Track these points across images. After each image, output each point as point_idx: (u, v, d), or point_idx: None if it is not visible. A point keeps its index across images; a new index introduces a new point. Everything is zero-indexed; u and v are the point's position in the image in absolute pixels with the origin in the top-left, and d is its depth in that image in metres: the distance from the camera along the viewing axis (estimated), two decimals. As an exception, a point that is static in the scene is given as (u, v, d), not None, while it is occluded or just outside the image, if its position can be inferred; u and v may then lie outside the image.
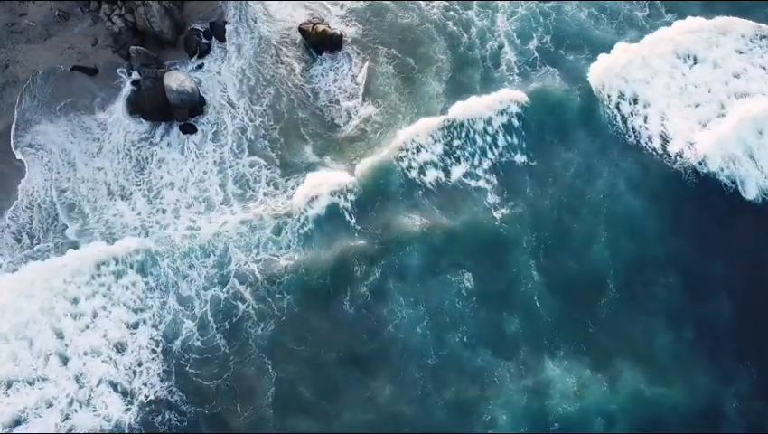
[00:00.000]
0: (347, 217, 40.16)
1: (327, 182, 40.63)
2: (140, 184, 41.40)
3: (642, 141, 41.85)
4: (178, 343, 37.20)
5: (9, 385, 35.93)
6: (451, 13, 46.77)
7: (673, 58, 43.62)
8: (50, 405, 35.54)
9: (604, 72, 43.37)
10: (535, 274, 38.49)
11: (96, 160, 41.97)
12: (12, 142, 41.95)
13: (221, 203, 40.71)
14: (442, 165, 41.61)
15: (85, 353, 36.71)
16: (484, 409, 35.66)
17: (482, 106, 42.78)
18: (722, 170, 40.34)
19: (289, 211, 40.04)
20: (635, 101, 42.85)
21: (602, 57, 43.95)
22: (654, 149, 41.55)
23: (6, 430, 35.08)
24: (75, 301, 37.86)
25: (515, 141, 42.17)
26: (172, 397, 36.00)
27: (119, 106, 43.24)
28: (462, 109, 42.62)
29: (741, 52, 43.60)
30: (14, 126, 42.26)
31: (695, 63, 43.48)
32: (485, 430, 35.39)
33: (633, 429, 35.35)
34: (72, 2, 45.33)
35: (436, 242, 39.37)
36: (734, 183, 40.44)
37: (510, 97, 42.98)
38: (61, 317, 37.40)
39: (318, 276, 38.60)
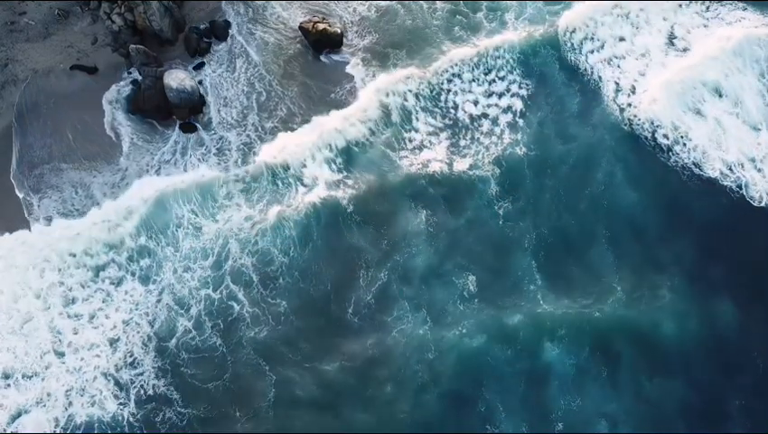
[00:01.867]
0: (346, 207, 40.13)
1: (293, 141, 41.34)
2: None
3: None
4: (174, 341, 37.11)
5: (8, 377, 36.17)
6: (458, 17, 46.34)
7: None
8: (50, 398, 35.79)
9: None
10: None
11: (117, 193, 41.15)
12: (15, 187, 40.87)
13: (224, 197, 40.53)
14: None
15: (82, 348, 36.79)
16: (483, 403, 35.53)
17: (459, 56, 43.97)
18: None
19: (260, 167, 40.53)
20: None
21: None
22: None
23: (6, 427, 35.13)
24: (71, 299, 37.90)
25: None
26: (170, 395, 35.88)
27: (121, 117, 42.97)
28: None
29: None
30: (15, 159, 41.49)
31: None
32: (484, 424, 35.19)
33: (637, 428, 35.05)
34: (72, 1, 45.19)
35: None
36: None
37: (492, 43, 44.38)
38: (58, 312, 37.48)
39: (318, 274, 38.53)
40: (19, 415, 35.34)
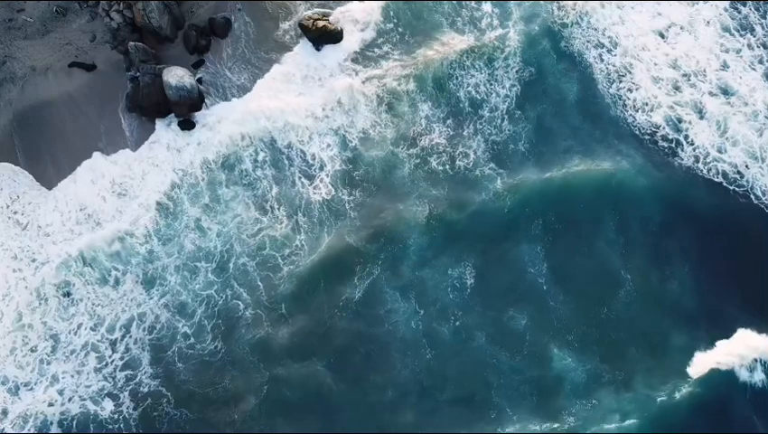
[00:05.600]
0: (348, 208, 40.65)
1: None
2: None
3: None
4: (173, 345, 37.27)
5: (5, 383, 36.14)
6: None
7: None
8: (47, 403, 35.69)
9: None
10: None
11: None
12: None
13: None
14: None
15: (82, 348, 36.88)
16: (490, 404, 35.72)
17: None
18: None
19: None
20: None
21: None
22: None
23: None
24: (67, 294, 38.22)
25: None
26: (166, 395, 35.96)
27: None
28: None
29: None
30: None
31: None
32: (493, 427, 35.27)
33: (644, 427, 35.14)
34: (71, -2, 44.94)
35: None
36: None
37: None
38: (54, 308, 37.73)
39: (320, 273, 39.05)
40: (17, 414, 35.29)
